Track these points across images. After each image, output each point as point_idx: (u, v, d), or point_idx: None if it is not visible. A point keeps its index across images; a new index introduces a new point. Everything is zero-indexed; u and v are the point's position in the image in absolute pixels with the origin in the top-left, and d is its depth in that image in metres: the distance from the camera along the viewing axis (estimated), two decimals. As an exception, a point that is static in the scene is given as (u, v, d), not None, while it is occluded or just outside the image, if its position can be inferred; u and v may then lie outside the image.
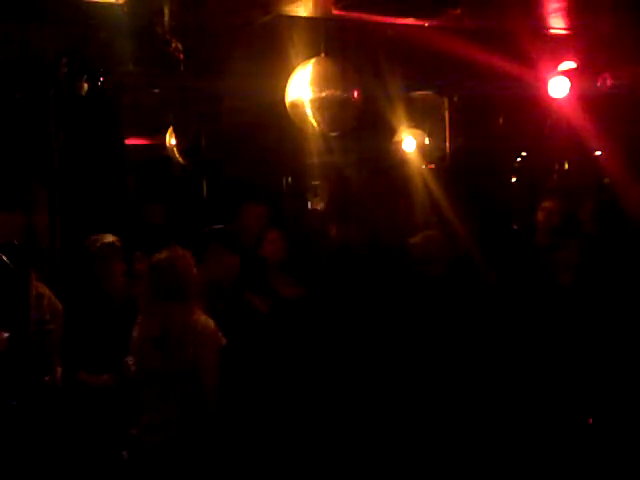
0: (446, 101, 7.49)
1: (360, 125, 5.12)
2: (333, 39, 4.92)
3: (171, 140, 7.54)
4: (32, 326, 3.61)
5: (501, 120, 7.31)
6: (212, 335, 3.58)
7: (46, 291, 3.99)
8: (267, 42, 5.08)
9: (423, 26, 4.99)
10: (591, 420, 3.41)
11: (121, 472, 3.69)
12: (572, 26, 5.44)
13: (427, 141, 7.59)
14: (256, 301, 4.20)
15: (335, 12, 4.60)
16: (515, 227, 6.12)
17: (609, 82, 5.86)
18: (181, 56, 4.81)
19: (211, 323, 3.61)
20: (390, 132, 7.52)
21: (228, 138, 7.70)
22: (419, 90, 7.30)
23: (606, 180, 6.31)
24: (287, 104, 4.86)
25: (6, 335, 3.47)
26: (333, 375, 4.12)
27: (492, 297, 3.92)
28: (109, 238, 4.37)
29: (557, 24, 5.37)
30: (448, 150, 7.54)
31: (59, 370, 3.95)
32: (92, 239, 4.38)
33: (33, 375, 3.62)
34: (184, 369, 3.51)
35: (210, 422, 3.53)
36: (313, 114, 4.77)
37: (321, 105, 4.74)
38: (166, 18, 4.64)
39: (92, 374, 4.07)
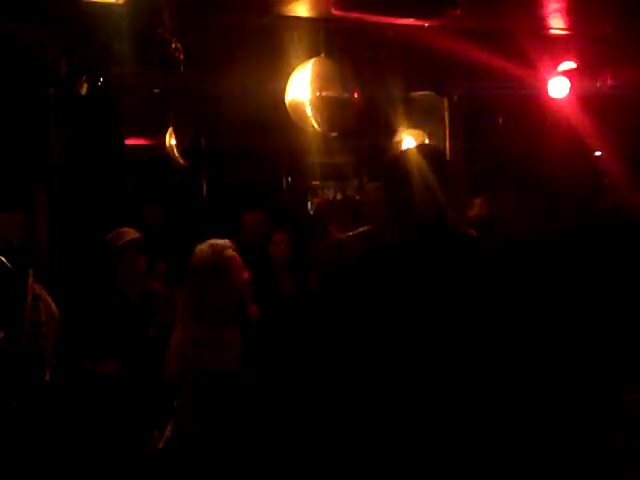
0: (446, 101, 7.48)
1: (360, 125, 5.12)
2: (332, 39, 4.93)
3: (171, 140, 7.56)
4: (27, 327, 3.59)
5: (501, 120, 7.29)
6: None
7: (43, 293, 3.98)
8: (267, 42, 5.08)
9: (423, 26, 4.99)
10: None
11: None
12: (572, 26, 5.44)
13: (427, 141, 7.58)
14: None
15: (335, 12, 4.60)
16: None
17: (609, 82, 5.86)
18: (181, 56, 4.81)
19: None
20: (390, 132, 7.52)
21: (228, 138, 7.71)
22: (419, 90, 7.30)
23: (606, 180, 6.29)
24: (287, 104, 4.86)
25: (1, 335, 3.46)
26: (334, 374, 4.09)
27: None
28: (132, 235, 4.21)
29: (557, 24, 5.37)
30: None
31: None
32: (115, 234, 4.22)
33: (28, 375, 3.60)
34: None
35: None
36: (313, 114, 4.77)
37: (321, 105, 4.75)
38: (166, 18, 4.64)
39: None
